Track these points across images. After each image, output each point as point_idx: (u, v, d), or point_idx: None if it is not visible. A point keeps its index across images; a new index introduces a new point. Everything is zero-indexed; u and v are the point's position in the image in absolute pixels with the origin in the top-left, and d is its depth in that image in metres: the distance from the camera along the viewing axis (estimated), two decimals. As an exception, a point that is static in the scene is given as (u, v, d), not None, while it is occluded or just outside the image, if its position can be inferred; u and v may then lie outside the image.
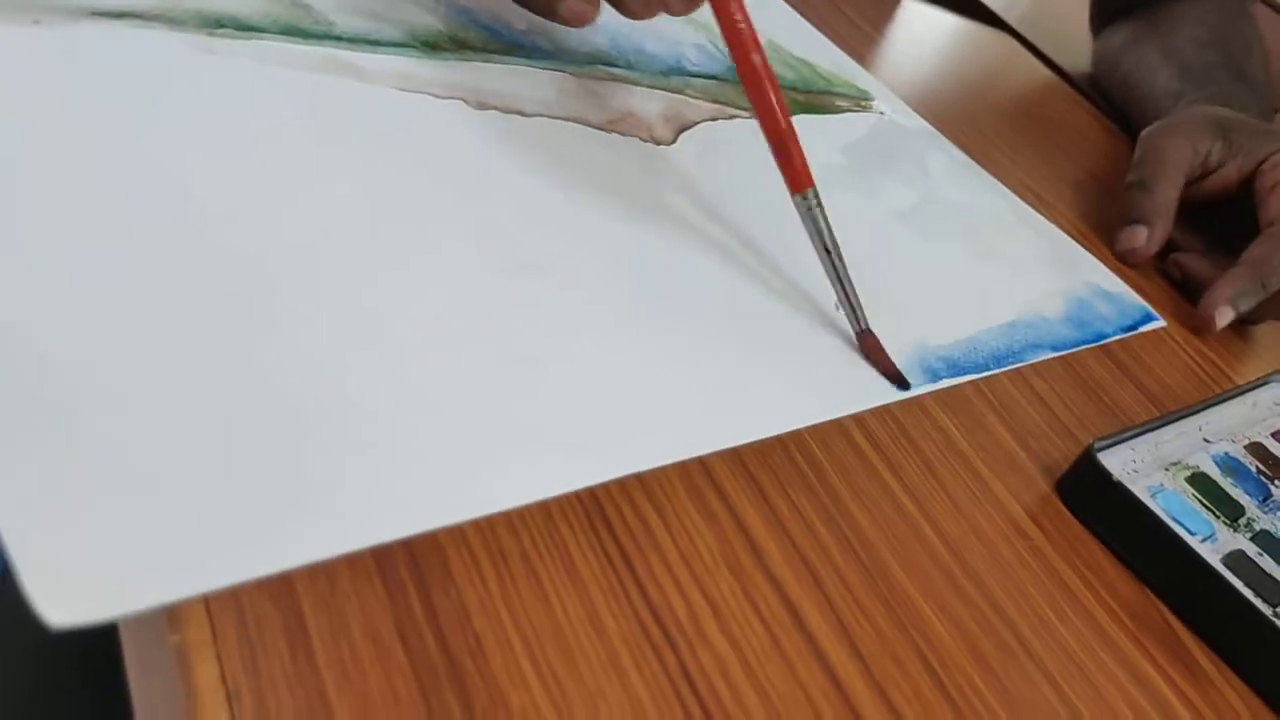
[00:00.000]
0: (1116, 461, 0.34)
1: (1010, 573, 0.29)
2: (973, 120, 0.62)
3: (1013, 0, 0.98)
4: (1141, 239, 0.52)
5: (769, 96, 0.33)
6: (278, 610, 0.19)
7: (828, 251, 0.33)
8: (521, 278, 0.28)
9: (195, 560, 0.18)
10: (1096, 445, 0.34)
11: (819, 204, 0.33)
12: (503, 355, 0.26)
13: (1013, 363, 0.38)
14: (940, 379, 0.34)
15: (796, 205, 0.33)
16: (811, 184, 0.33)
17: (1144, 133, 0.57)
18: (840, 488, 0.29)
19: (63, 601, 0.17)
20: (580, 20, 0.35)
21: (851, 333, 0.33)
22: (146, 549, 0.18)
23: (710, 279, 0.33)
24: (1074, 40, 0.87)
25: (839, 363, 0.32)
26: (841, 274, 0.33)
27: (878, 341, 0.33)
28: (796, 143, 0.33)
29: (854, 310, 0.33)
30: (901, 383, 0.33)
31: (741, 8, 0.33)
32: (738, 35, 0.33)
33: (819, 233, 0.33)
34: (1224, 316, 0.50)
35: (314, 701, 0.18)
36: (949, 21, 0.81)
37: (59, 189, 0.24)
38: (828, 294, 0.34)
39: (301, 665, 0.18)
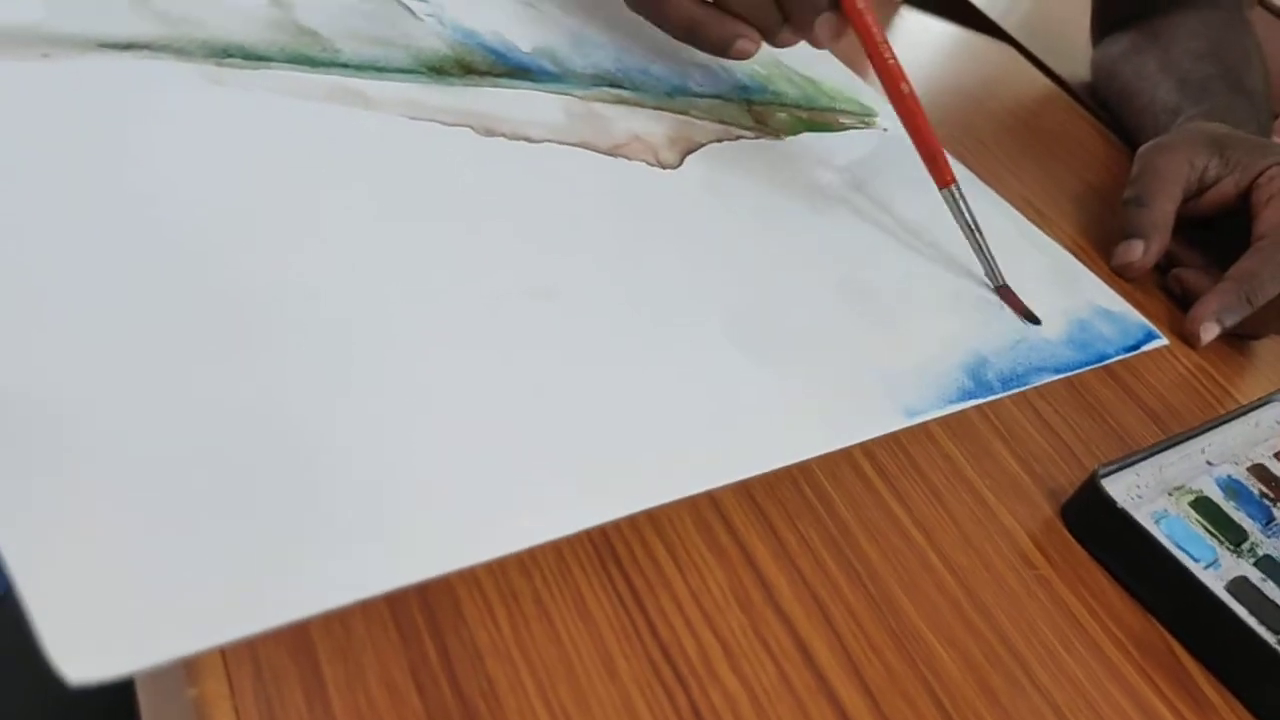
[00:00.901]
0: (1120, 488, 0.34)
1: (1018, 603, 0.30)
2: (972, 131, 0.62)
3: (1010, 8, 0.98)
4: (1138, 253, 0.53)
5: (920, 119, 0.42)
6: (294, 661, 0.19)
7: (971, 230, 0.43)
8: (530, 307, 0.28)
9: (211, 612, 0.18)
10: (1100, 472, 0.34)
11: (961, 195, 0.42)
12: (511, 388, 0.26)
13: (1017, 386, 0.39)
14: (947, 406, 0.35)
15: (944, 198, 0.43)
16: (955, 180, 0.42)
17: (1141, 149, 0.57)
18: (849, 519, 0.29)
19: (81, 657, 0.17)
20: (746, 55, 0.43)
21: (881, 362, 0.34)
22: (162, 602, 0.18)
23: (718, 304, 0.33)
24: (1073, 49, 0.88)
25: (849, 391, 0.32)
26: (984, 247, 0.43)
27: (1013, 293, 0.43)
28: (942, 151, 0.42)
29: (994, 271, 0.43)
30: (1034, 319, 0.42)
31: (888, 45, 0.41)
32: (888, 69, 0.41)
33: (962, 215, 0.43)
34: (1209, 332, 0.50)
35: (331, 753, 0.18)
36: (947, 30, 0.81)
37: (69, 221, 0.24)
38: (836, 321, 0.34)
39: (319, 714, 0.18)
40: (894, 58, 0.41)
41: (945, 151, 0.43)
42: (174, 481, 0.20)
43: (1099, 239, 0.56)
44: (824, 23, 0.41)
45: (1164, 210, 0.53)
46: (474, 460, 0.23)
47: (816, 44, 0.42)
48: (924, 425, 0.34)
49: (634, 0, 0.44)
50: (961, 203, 0.43)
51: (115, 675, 0.17)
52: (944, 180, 0.42)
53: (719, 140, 0.42)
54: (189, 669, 0.18)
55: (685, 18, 0.42)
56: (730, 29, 0.42)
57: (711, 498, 0.27)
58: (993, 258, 0.43)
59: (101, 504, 0.19)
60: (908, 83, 0.41)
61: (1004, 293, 0.43)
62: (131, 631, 0.17)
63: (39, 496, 0.18)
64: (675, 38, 0.43)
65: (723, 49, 0.42)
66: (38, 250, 0.23)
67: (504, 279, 0.29)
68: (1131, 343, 0.46)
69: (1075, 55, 0.87)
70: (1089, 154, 0.69)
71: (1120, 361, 0.45)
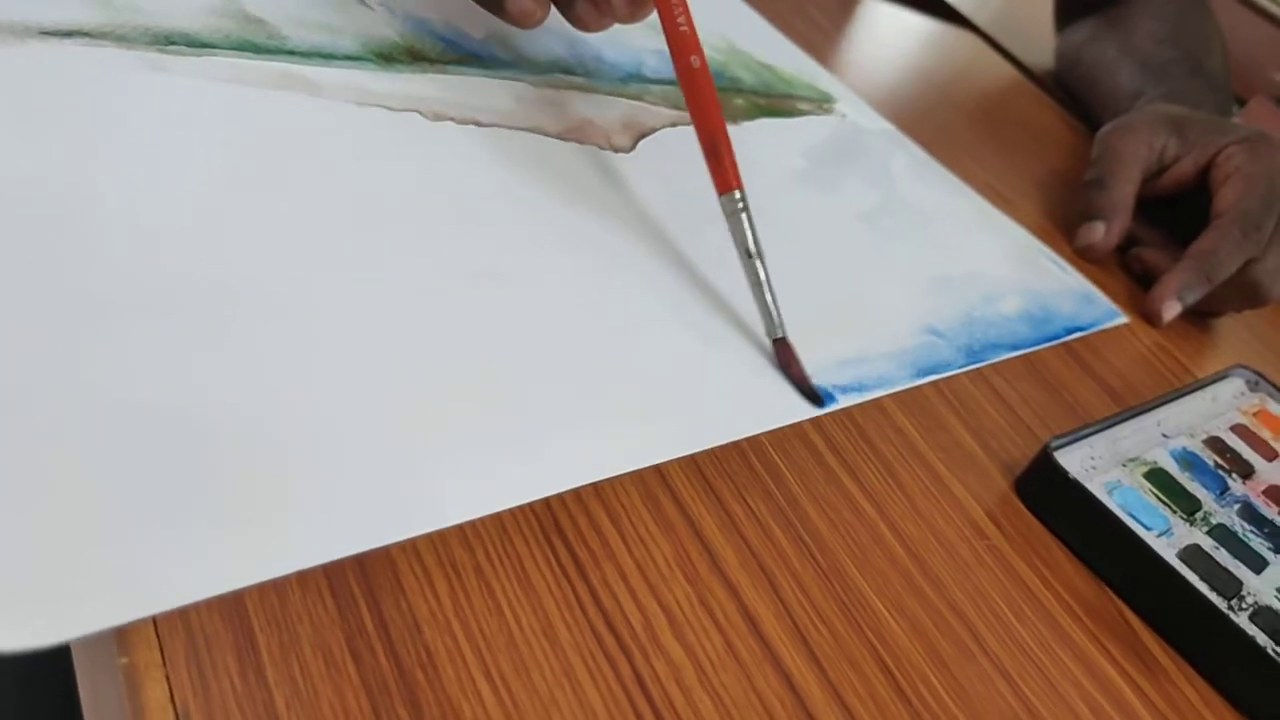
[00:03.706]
0: (1074, 459, 0.34)
1: (968, 573, 0.30)
2: (937, 120, 0.63)
3: (982, 2, 0.98)
4: (1099, 234, 0.53)
5: (706, 96, 0.33)
6: (228, 629, 0.19)
7: (750, 255, 0.33)
8: (476, 287, 0.29)
9: (144, 581, 0.18)
10: (1053, 444, 0.34)
11: (745, 207, 0.33)
12: (456, 364, 0.26)
13: (972, 362, 0.39)
14: (897, 384, 0.35)
15: (722, 206, 0.33)
16: (739, 186, 0.33)
17: (1100, 131, 0.57)
18: (798, 492, 0.29)
19: (14, 625, 0.17)
20: (528, 20, 0.35)
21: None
22: (95, 571, 0.18)
23: (666, 286, 0.33)
24: (1045, 39, 0.88)
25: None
26: (763, 279, 0.32)
27: (793, 353, 0.32)
28: (728, 144, 0.33)
29: (772, 318, 0.32)
30: (814, 399, 0.32)
31: (685, 10, 0.33)
32: (678, 36, 0.33)
33: (743, 235, 0.33)
34: (1170, 310, 0.50)
35: (264, 719, 0.18)
36: (912, 21, 0.81)
37: (8, 209, 0.24)
38: (785, 302, 0.34)
39: (252, 683, 0.18)
40: (689, 24, 0.33)
41: (733, 148, 0.34)
42: (109, 453, 0.20)
43: (1062, 222, 0.56)
44: None
45: (1124, 191, 0.53)
46: (416, 434, 0.23)
47: (615, 14, 0.35)
48: (876, 399, 0.34)
49: None
50: (743, 217, 0.33)
51: (46, 643, 0.17)
52: (726, 184, 0.33)
53: (673, 125, 0.42)
54: (120, 638, 0.18)
55: None
56: None
57: (659, 471, 0.27)
58: (773, 299, 0.32)
59: (35, 476, 0.19)
60: (700, 56, 0.33)
61: (781, 347, 0.32)
62: (64, 601, 0.17)
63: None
64: None
65: (495, 8, 0.35)
66: None
67: (452, 259, 0.29)
68: (1091, 320, 0.47)
69: (1040, 44, 0.87)
70: (1053, 140, 0.70)
71: (1080, 339, 0.45)
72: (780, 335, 0.32)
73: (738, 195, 0.33)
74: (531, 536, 0.24)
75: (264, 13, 0.35)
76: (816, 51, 0.59)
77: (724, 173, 0.33)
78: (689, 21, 0.33)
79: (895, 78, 0.68)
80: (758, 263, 0.33)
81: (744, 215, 0.33)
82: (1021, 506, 0.34)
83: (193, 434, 0.21)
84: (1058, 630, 0.29)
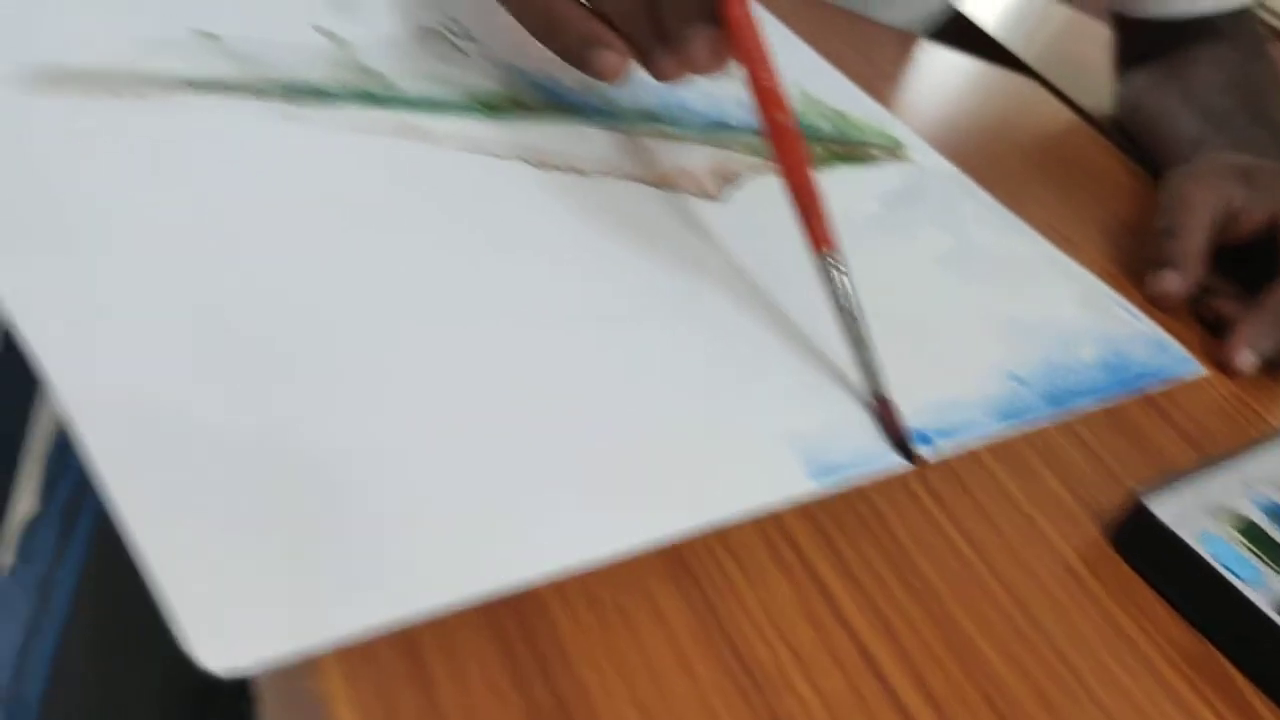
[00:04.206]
0: (1166, 509, 0.35)
1: (1070, 620, 0.30)
2: (999, 164, 0.64)
3: (1028, 42, 0.99)
4: (1173, 283, 0.53)
5: (795, 155, 0.33)
6: (404, 660, 0.20)
7: (846, 313, 0.33)
8: (589, 330, 0.30)
9: (332, 610, 0.19)
10: (1146, 493, 0.34)
11: (841, 265, 0.33)
12: (582, 409, 0.27)
13: (1056, 409, 0.39)
14: (987, 431, 0.35)
15: (816, 265, 0.33)
16: (833, 245, 0.33)
17: (1168, 179, 0.58)
18: (905, 539, 0.30)
19: (219, 650, 0.18)
20: (611, 74, 0.35)
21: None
22: (286, 599, 0.19)
23: (763, 335, 0.34)
24: (1091, 81, 0.89)
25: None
26: (861, 337, 0.33)
27: (892, 411, 0.32)
28: (820, 202, 0.33)
29: (871, 376, 0.33)
30: (909, 457, 0.32)
31: (769, 66, 0.33)
32: (765, 93, 0.33)
33: (837, 294, 0.33)
34: (1244, 360, 0.50)
35: (439, 751, 0.19)
36: (970, 65, 0.82)
37: (159, 250, 0.25)
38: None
39: (429, 712, 0.19)
40: (774, 81, 0.33)
41: (824, 205, 0.34)
42: (296, 491, 0.21)
43: (1128, 268, 0.57)
44: (700, 37, 0.34)
45: (1196, 240, 0.54)
46: (548, 473, 0.24)
47: (694, 66, 0.35)
48: (969, 447, 0.35)
49: None
50: (841, 277, 0.33)
51: (251, 667, 0.18)
52: (820, 242, 0.33)
53: (760, 172, 0.44)
54: (310, 665, 0.19)
55: (550, 15, 0.36)
56: (592, 33, 0.35)
57: (775, 517, 0.28)
58: (874, 358, 0.33)
59: (234, 508, 0.20)
60: (788, 114, 0.33)
61: (882, 407, 0.32)
62: (263, 627, 0.18)
63: (176, 499, 0.19)
64: (533, 34, 0.37)
65: (582, 59, 0.36)
66: (127, 275, 0.24)
67: (563, 304, 0.30)
68: (1168, 370, 0.47)
69: (1093, 87, 0.88)
70: (1115, 185, 0.70)
71: (1159, 390, 0.46)
72: (881, 393, 0.33)
73: (833, 254, 0.33)
74: (663, 575, 0.25)
75: (377, 64, 0.36)
76: (878, 95, 0.60)
77: (818, 232, 0.33)
78: (774, 79, 0.33)
79: (956, 121, 0.69)
80: (854, 321, 0.33)
81: (839, 273, 0.33)
82: (1115, 555, 0.34)
83: (365, 482, 0.22)
84: (1160, 680, 0.30)
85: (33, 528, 0.54)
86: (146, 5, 0.33)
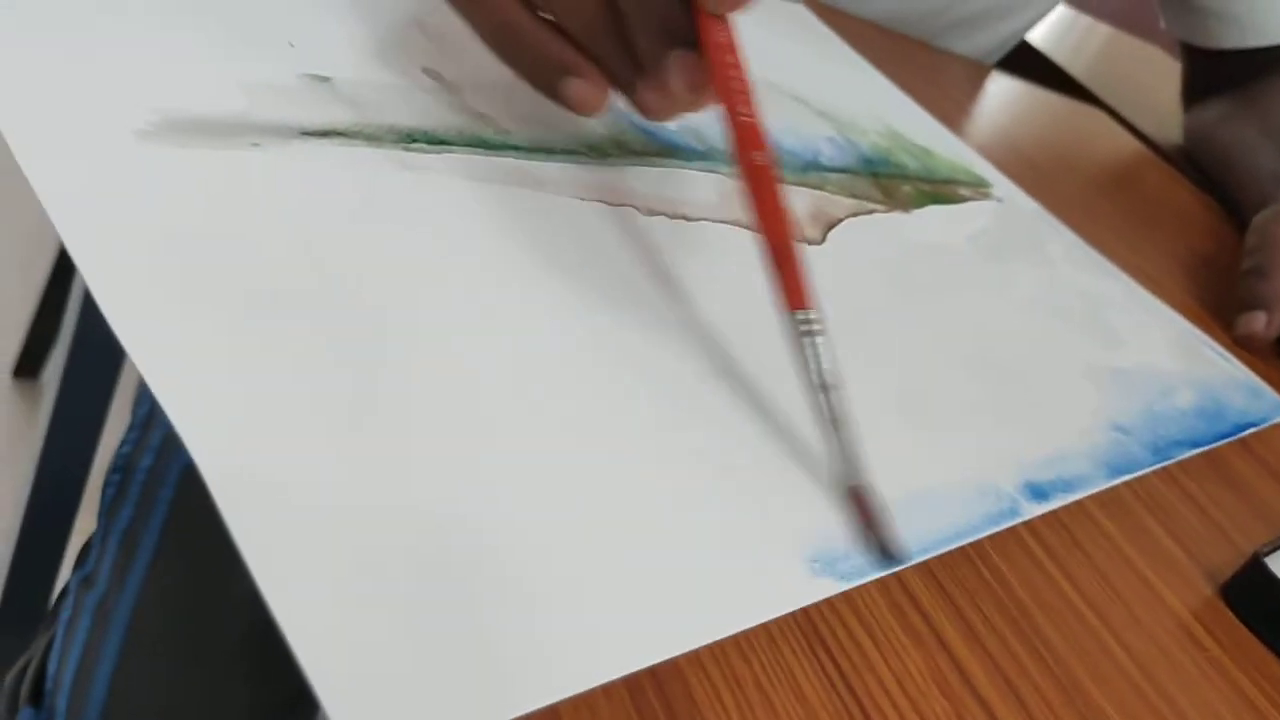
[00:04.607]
0: (1282, 568, 0.34)
1: (1195, 687, 0.29)
2: (1074, 198, 0.63)
3: (1072, 63, 0.98)
4: (1261, 324, 0.52)
5: (770, 197, 0.29)
6: (553, 744, 0.20)
7: (820, 387, 0.28)
8: (713, 386, 0.29)
9: (472, 700, 0.19)
10: (1262, 551, 0.34)
11: (817, 328, 0.29)
12: (699, 469, 0.27)
13: (1159, 461, 0.39)
14: (1095, 484, 0.35)
15: (786, 325, 0.29)
16: (808, 305, 0.29)
17: (1257, 219, 0.57)
18: (1026, 599, 0.29)
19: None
20: (586, 107, 0.31)
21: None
22: (430, 691, 0.19)
23: (889, 378, 0.33)
24: (1143, 102, 0.88)
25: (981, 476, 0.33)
26: (838, 416, 0.28)
27: (868, 502, 0.28)
28: (794, 255, 0.29)
29: (849, 462, 0.28)
30: (889, 553, 0.27)
31: (749, 99, 0.30)
32: (741, 127, 0.30)
33: (809, 363, 0.28)
34: None
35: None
36: (1038, 94, 0.81)
37: (279, 298, 0.25)
38: (981, 397, 0.34)
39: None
40: (751, 115, 0.29)
41: (800, 260, 0.29)
42: (430, 581, 0.21)
43: (1213, 306, 0.56)
44: (678, 65, 0.29)
45: (1285, 280, 0.53)
46: (685, 546, 0.24)
47: (675, 98, 0.30)
48: (1079, 501, 0.34)
49: None
50: (813, 339, 0.28)
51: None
52: (794, 300, 0.29)
53: (854, 215, 0.43)
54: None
55: (502, 25, 0.32)
56: (560, 56, 0.31)
57: (898, 577, 0.28)
58: (853, 440, 0.28)
59: (374, 604, 0.20)
60: (764, 151, 0.29)
61: (855, 496, 0.28)
62: (409, 712, 0.18)
63: (314, 579, 0.19)
64: (488, 46, 0.33)
65: (549, 86, 0.32)
66: (251, 324, 0.24)
67: (692, 358, 0.30)
68: (1262, 416, 0.46)
69: (1143, 109, 0.87)
70: (1189, 219, 0.69)
71: (1251, 434, 0.45)
72: (857, 481, 0.28)
73: (809, 315, 0.29)
74: (798, 646, 0.24)
75: (484, 106, 0.36)
76: (952, 128, 0.59)
77: (792, 287, 0.29)
78: (752, 111, 0.29)
79: (1028, 154, 0.68)
80: (827, 396, 0.28)
81: (814, 338, 0.28)
82: (1229, 614, 0.33)
83: (492, 558, 0.22)
84: (1287, 749, 0.29)
85: (91, 549, 0.55)
86: (253, 50, 0.33)
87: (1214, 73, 0.79)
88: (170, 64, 0.30)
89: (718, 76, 0.29)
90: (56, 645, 0.53)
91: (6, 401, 1.11)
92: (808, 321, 0.28)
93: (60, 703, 0.51)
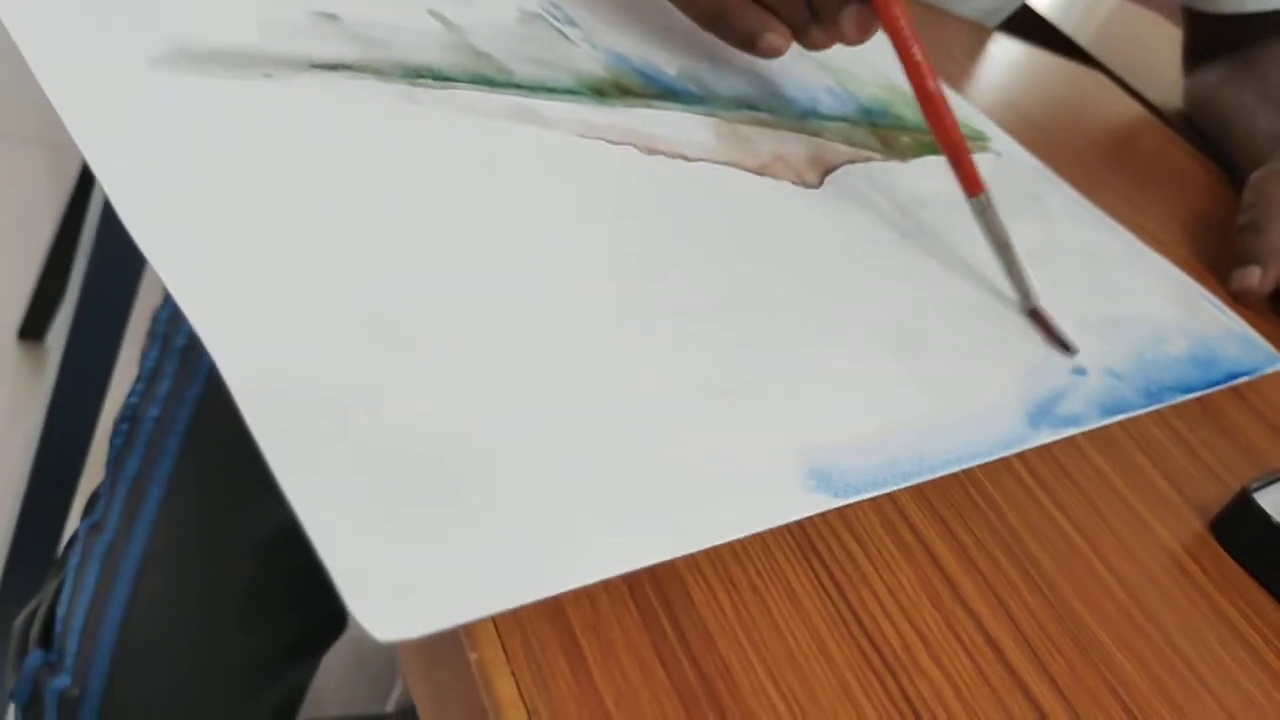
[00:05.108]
0: (1271, 503, 0.34)
1: (1182, 613, 0.30)
2: (1074, 157, 0.63)
3: (1079, 28, 0.98)
4: (1255, 279, 0.53)
5: (948, 117, 0.39)
6: (554, 632, 0.20)
7: (1002, 244, 0.39)
8: (716, 315, 0.30)
9: (489, 582, 0.20)
10: (1251, 487, 0.34)
11: (991, 205, 0.39)
12: (699, 389, 0.27)
13: (1151, 404, 0.39)
14: (1088, 423, 0.35)
15: (971, 207, 0.39)
16: (984, 189, 0.39)
17: (1253, 176, 0.57)
18: (1017, 525, 0.30)
19: (388, 620, 0.18)
20: (775, 52, 0.41)
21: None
22: (446, 574, 0.19)
23: (880, 319, 0.34)
24: (1147, 69, 0.88)
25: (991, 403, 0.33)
26: (1016, 261, 0.39)
27: (1045, 316, 0.39)
28: (968, 155, 0.39)
29: (1025, 293, 0.39)
30: (1067, 349, 0.38)
31: (917, 41, 0.38)
32: (915, 65, 0.39)
33: (992, 231, 0.39)
34: None
35: (600, 718, 0.19)
36: (1039, 56, 0.82)
37: (293, 215, 0.25)
38: (979, 332, 0.35)
39: (583, 684, 0.20)
40: (924, 54, 0.39)
41: (974, 159, 0.40)
42: (448, 472, 0.21)
43: (1209, 262, 0.56)
44: (850, 16, 0.39)
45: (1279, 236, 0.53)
46: (685, 453, 0.25)
47: (845, 39, 0.40)
48: (1072, 438, 0.35)
49: None
50: (990, 213, 0.40)
51: (415, 636, 0.18)
52: (973, 189, 0.39)
53: (852, 162, 0.44)
54: (468, 635, 0.19)
55: (711, 3, 0.41)
56: (757, 20, 0.40)
57: (891, 498, 0.28)
58: (1025, 274, 0.40)
59: (391, 483, 0.20)
60: (936, 80, 0.39)
61: (1035, 316, 0.39)
62: (422, 597, 0.19)
63: (332, 477, 0.20)
64: (700, 25, 0.42)
65: (749, 42, 0.41)
66: (258, 248, 0.24)
67: (696, 285, 0.30)
68: (1254, 365, 0.47)
69: (1145, 74, 0.87)
70: (1188, 179, 0.70)
71: (1244, 382, 0.45)
72: (1034, 305, 0.39)
73: (984, 197, 0.39)
74: (793, 555, 0.25)
75: (488, 47, 0.36)
76: (955, 87, 0.59)
77: (969, 179, 0.39)
78: (924, 51, 0.39)
79: (1029, 113, 0.69)
80: (1007, 252, 0.39)
81: (992, 213, 0.39)
82: (1218, 548, 0.34)
83: (514, 459, 0.22)
84: (1268, 669, 0.30)
85: (99, 498, 0.55)
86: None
87: (1214, 37, 0.79)
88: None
89: (889, 25, 0.38)
90: (66, 590, 0.53)
91: (12, 363, 1.12)
92: (984, 201, 0.39)
93: (70, 644, 0.52)
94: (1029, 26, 0.89)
